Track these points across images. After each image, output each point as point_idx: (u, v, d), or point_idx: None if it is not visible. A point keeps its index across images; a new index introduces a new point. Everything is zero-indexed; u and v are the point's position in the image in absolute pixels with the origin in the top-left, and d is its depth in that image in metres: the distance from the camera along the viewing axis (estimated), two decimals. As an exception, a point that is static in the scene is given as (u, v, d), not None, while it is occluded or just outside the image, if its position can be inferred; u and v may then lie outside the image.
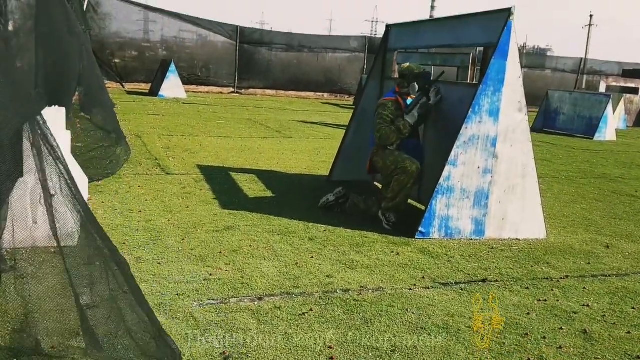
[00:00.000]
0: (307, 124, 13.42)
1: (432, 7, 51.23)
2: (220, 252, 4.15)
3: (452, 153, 4.80)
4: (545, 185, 7.62)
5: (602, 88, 21.48)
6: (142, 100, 15.91)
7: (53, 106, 5.19)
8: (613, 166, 10.28)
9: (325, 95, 24.43)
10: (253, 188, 6.30)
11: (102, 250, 2.16)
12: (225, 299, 3.36)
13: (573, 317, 3.49)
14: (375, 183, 6.81)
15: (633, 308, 3.72)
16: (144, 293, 3.32)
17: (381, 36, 7.22)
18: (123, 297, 2.11)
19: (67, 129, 5.43)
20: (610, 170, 9.78)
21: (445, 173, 4.81)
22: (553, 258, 4.64)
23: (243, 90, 22.73)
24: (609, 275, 4.33)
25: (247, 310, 3.24)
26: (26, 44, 5.77)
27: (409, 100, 5.33)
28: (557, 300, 3.74)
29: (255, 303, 3.35)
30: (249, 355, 2.77)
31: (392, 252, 4.48)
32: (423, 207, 5.23)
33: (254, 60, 23.01)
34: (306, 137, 11.09)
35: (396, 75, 6.71)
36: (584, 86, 27.01)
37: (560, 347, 3.09)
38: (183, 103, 16.18)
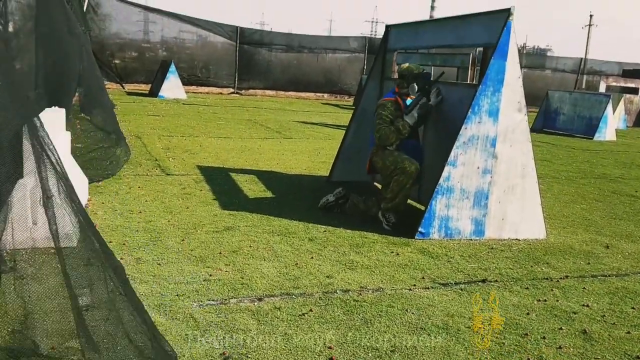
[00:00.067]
0: (307, 125, 13.43)
1: (432, 8, 51.25)
2: (220, 253, 4.15)
3: (452, 153, 4.80)
4: (545, 186, 7.62)
5: (602, 88, 21.48)
6: (142, 101, 15.92)
7: (53, 107, 5.19)
8: (613, 166, 10.29)
9: (325, 95, 24.44)
10: (253, 189, 6.30)
11: (99, 253, 2.16)
12: (225, 300, 3.37)
13: (573, 317, 3.50)
14: (375, 183, 6.82)
15: (633, 308, 3.72)
16: (144, 294, 3.34)
17: (381, 36, 7.23)
18: (120, 300, 2.11)
19: (67, 129, 5.43)
20: (610, 170, 9.79)
21: (444, 173, 4.82)
22: (553, 258, 4.64)
23: (243, 91, 22.73)
24: (609, 275, 4.33)
25: (247, 311, 3.24)
26: (26, 45, 5.77)
27: (409, 101, 5.34)
28: (557, 301, 3.75)
29: (255, 303, 3.35)
30: (249, 355, 2.77)
31: (392, 252, 4.48)
32: (423, 208, 5.23)
33: (253, 61, 23.01)
34: (306, 138, 11.10)
35: (396, 76, 6.71)
36: (583, 86, 27.01)
37: (560, 347, 3.09)
38: (183, 104, 16.18)
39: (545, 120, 16.85)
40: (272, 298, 3.45)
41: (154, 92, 17.71)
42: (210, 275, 3.71)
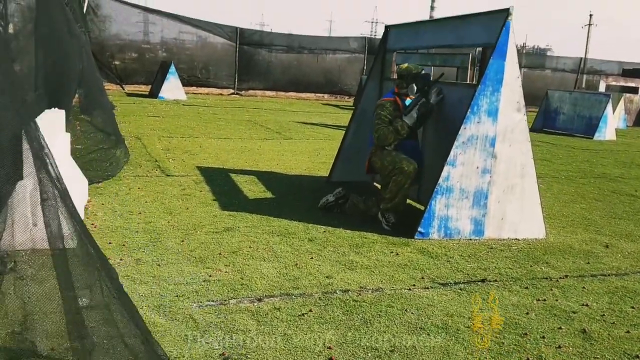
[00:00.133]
0: (307, 125, 13.43)
1: (432, 8, 51.26)
2: (219, 254, 4.15)
3: (451, 153, 4.80)
4: (545, 185, 7.63)
5: (602, 87, 21.49)
6: (142, 102, 15.93)
7: (53, 108, 5.20)
8: (613, 166, 10.29)
9: (325, 96, 24.44)
10: (253, 189, 6.31)
11: (92, 257, 2.17)
12: (225, 300, 3.37)
13: (572, 317, 3.50)
14: (375, 184, 6.82)
15: (632, 307, 3.72)
16: (143, 294, 3.35)
17: (381, 37, 7.23)
18: (113, 304, 2.12)
19: (67, 131, 5.44)
20: (609, 169, 9.79)
21: (444, 173, 4.82)
22: (552, 258, 4.64)
23: (243, 92, 22.74)
24: (609, 275, 4.33)
25: (247, 311, 3.24)
26: (26, 46, 5.78)
27: (408, 101, 5.34)
28: (556, 300, 3.75)
29: (255, 304, 3.36)
30: (249, 356, 2.77)
31: (392, 252, 4.48)
32: (422, 208, 5.24)
33: (253, 62, 23.02)
34: (306, 138, 11.10)
35: (395, 76, 6.72)
36: (583, 86, 27.01)
37: (559, 347, 3.09)
38: (183, 104, 16.19)
39: (545, 120, 16.85)
40: (271, 298, 3.45)
41: (153, 93, 17.72)
42: (210, 276, 3.71)
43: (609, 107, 15.28)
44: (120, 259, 3.89)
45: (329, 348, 2.90)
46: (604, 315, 3.56)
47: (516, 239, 5.04)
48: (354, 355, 2.85)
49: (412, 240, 4.81)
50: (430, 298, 3.64)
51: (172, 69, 17.42)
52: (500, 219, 5.01)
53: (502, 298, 3.72)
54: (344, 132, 7.24)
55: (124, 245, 4.19)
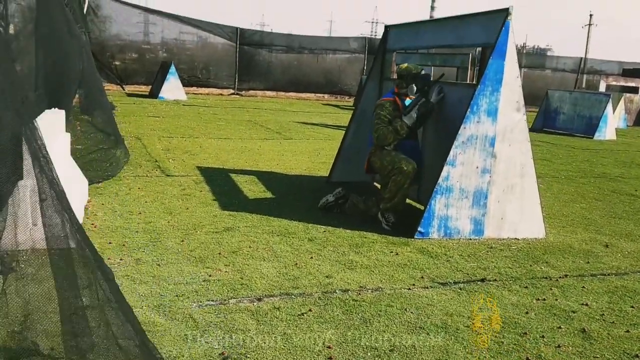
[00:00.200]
0: (307, 125, 13.44)
1: (432, 8, 51.25)
2: (219, 253, 4.16)
3: (451, 153, 4.81)
4: (545, 185, 7.63)
5: (602, 87, 21.49)
6: (142, 102, 15.94)
7: (53, 108, 5.21)
8: (613, 165, 10.29)
9: (326, 96, 24.45)
10: (253, 189, 6.31)
11: (89, 258, 2.17)
12: (225, 300, 3.37)
13: (572, 316, 3.50)
14: (375, 183, 6.82)
15: (632, 307, 3.72)
16: (143, 294, 3.35)
17: (381, 37, 7.23)
18: (109, 305, 2.12)
19: (67, 131, 5.45)
20: (610, 169, 9.79)
21: (443, 173, 4.82)
22: (552, 257, 4.65)
23: (243, 92, 22.75)
24: (608, 274, 4.33)
25: (246, 311, 3.25)
26: (26, 46, 5.79)
27: (408, 101, 5.35)
28: (556, 300, 3.75)
29: (255, 304, 3.36)
30: (248, 355, 2.77)
31: (392, 252, 4.49)
32: (422, 207, 5.24)
33: (254, 62, 23.02)
34: (306, 138, 11.11)
35: (395, 76, 6.72)
36: (584, 85, 27.01)
37: (559, 346, 3.09)
38: (183, 105, 16.20)
39: (545, 119, 16.85)
40: (271, 298, 3.45)
41: (154, 94, 17.72)
42: (210, 276, 3.72)
43: (609, 106, 15.28)
44: (120, 259, 3.90)
45: (329, 347, 2.90)
46: (603, 314, 3.56)
47: (516, 238, 5.04)
48: (354, 355, 2.86)
49: (412, 239, 4.81)
50: (429, 297, 3.64)
51: (173, 69, 17.43)
52: (500, 219, 5.01)
53: (502, 297, 3.72)
54: (344, 132, 7.24)
55: (124, 245, 4.19)
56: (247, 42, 22.85)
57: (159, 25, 21.89)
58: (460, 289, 3.83)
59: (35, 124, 2.24)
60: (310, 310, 3.31)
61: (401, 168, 5.07)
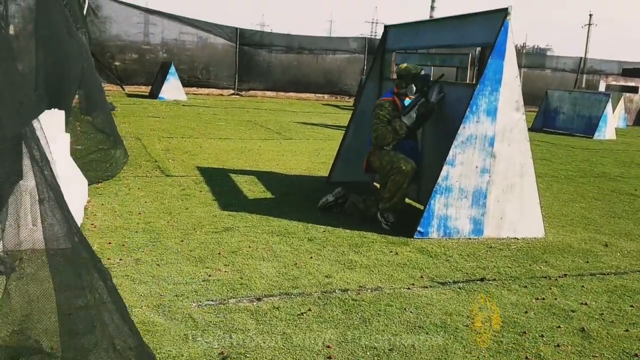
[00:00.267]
0: (307, 125, 13.44)
1: (432, 8, 51.19)
2: (219, 253, 4.16)
3: (450, 153, 4.81)
4: (545, 185, 7.63)
5: (602, 87, 21.49)
6: (142, 103, 15.94)
7: (53, 108, 5.21)
8: (612, 165, 10.29)
9: (326, 96, 24.45)
10: (252, 189, 6.32)
11: (86, 258, 2.18)
12: (224, 300, 3.38)
13: (571, 316, 3.50)
14: (375, 183, 6.83)
15: (631, 306, 3.72)
16: (143, 294, 3.35)
17: (380, 37, 7.24)
18: (105, 307, 2.12)
19: (66, 131, 5.45)
20: (609, 169, 9.79)
21: (443, 173, 4.83)
22: (551, 257, 4.65)
23: (243, 92, 22.75)
24: (608, 274, 4.33)
25: (246, 311, 3.25)
26: (26, 47, 5.80)
27: (407, 101, 5.35)
28: (555, 299, 3.75)
29: (254, 303, 3.36)
30: (248, 355, 2.78)
31: (391, 252, 4.49)
32: (422, 207, 5.24)
33: (254, 62, 23.03)
34: (306, 139, 11.11)
35: (394, 76, 6.72)
36: (583, 85, 27.01)
37: (558, 346, 3.10)
38: (183, 105, 16.21)
39: (545, 119, 16.84)
40: (270, 298, 3.46)
41: (154, 94, 17.73)
42: (210, 276, 3.72)
43: (609, 106, 15.28)
44: (120, 259, 3.90)
45: (328, 347, 2.91)
46: (602, 314, 3.57)
47: (515, 238, 5.04)
48: (353, 354, 2.86)
49: (412, 239, 4.81)
50: (429, 297, 3.64)
51: (172, 69, 17.43)
52: (499, 219, 5.01)
53: (501, 297, 3.73)
54: (343, 132, 7.24)
55: (123, 245, 4.20)
56: (247, 42, 22.85)
57: (159, 26, 21.90)
58: (460, 288, 3.83)
59: (35, 124, 2.24)
60: (309, 310, 3.32)
61: (400, 168, 5.08)
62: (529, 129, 5.26)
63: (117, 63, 20.83)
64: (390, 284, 3.82)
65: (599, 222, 5.91)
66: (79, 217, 4.48)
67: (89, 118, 7.88)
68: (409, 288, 3.77)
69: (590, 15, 48.96)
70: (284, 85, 23.66)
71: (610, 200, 7.11)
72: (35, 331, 2.22)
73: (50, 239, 2.12)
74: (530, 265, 4.41)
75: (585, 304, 3.70)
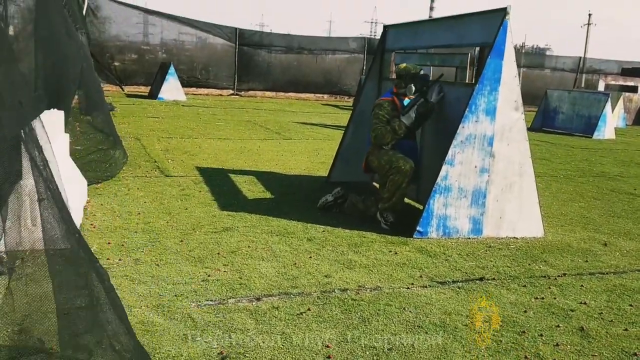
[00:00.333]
0: (306, 125, 13.44)
1: (431, 8, 51.20)
2: (218, 253, 4.16)
3: (449, 152, 4.81)
4: (544, 184, 7.64)
5: (601, 87, 21.50)
6: (141, 103, 15.94)
7: (52, 109, 5.21)
8: (612, 164, 10.30)
9: (325, 96, 24.44)
10: (252, 189, 6.32)
11: (84, 259, 2.18)
12: (224, 300, 3.38)
13: (570, 315, 3.51)
14: (374, 183, 6.83)
15: (630, 305, 3.73)
16: (142, 294, 3.36)
17: (379, 37, 7.24)
18: (103, 308, 2.13)
19: (66, 132, 5.45)
20: (608, 168, 9.80)
21: (442, 172, 4.83)
22: (551, 256, 4.65)
23: (242, 92, 22.75)
24: (607, 273, 4.34)
25: (245, 311, 3.25)
26: (26, 47, 5.80)
27: (406, 101, 5.35)
28: (555, 298, 3.76)
29: (254, 303, 3.37)
30: (247, 355, 2.78)
31: (390, 251, 4.49)
32: (421, 207, 5.24)
33: (253, 62, 23.02)
34: (305, 139, 11.11)
35: (394, 76, 6.72)
36: (583, 85, 27.02)
37: (557, 345, 3.10)
38: (182, 105, 16.20)
39: (544, 119, 16.85)
40: (270, 298, 3.46)
41: (153, 94, 17.73)
42: (209, 276, 3.72)
43: (608, 106, 15.29)
44: (119, 259, 3.91)
45: (328, 347, 2.91)
46: (602, 313, 3.57)
47: (514, 237, 5.05)
48: (352, 354, 2.86)
49: (411, 239, 4.82)
50: (428, 297, 3.65)
51: (172, 69, 17.43)
52: (498, 218, 5.02)
53: (501, 296, 3.73)
54: (343, 132, 7.25)
55: (123, 245, 4.20)
56: (247, 42, 22.84)
57: (158, 26, 21.89)
58: (459, 288, 3.84)
59: (34, 124, 2.25)
60: (309, 309, 3.32)
61: (399, 167, 5.08)
62: (529, 129, 5.27)
63: (116, 63, 20.82)
64: (390, 284, 3.82)
65: (598, 222, 5.92)
66: (78, 217, 4.48)
67: (89, 118, 7.87)
68: (408, 288, 3.77)
69: (590, 15, 49.00)
70: (284, 86, 23.66)
71: (609, 199, 7.11)
72: (35, 331, 2.22)
73: (50, 239, 2.12)
74: (529, 264, 4.41)
75: (585, 303, 3.71)
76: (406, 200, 5.65)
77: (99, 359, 2.06)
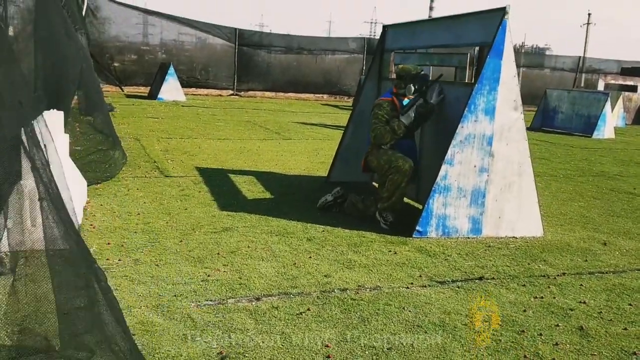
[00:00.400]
0: (306, 125, 13.45)
1: (431, 8, 51.20)
2: (218, 254, 4.17)
3: (449, 152, 4.82)
4: (543, 184, 7.64)
5: (601, 86, 21.49)
6: (141, 104, 15.95)
7: (52, 109, 5.22)
8: (611, 164, 10.30)
9: (325, 96, 24.44)
10: (252, 189, 6.32)
11: (82, 259, 2.19)
12: (223, 300, 3.38)
13: (569, 314, 3.51)
14: (374, 183, 6.83)
15: (630, 305, 3.73)
16: (142, 295, 3.36)
17: (379, 37, 7.25)
18: (100, 309, 2.13)
19: (65, 132, 5.45)
20: (608, 167, 9.80)
21: (442, 172, 4.84)
22: (550, 255, 4.66)
23: (242, 93, 22.75)
24: (606, 272, 4.34)
25: (245, 311, 3.26)
26: (25, 48, 5.80)
27: (406, 101, 5.36)
28: (554, 298, 3.76)
29: (253, 303, 3.37)
30: (246, 354, 2.78)
31: (390, 251, 4.50)
32: (420, 207, 5.25)
33: (253, 62, 23.03)
34: (305, 139, 11.12)
35: (393, 76, 6.73)
36: (582, 84, 27.02)
37: (557, 344, 3.10)
38: (182, 106, 16.21)
39: (543, 118, 16.85)
40: (269, 298, 3.46)
41: (153, 95, 17.72)
42: (208, 276, 3.73)
43: (608, 105, 15.29)
44: (119, 259, 3.91)
45: (327, 346, 2.91)
46: (601, 312, 3.57)
47: (514, 237, 5.05)
48: (352, 354, 2.87)
49: (410, 238, 4.82)
50: (427, 296, 3.65)
51: (171, 70, 17.42)
52: (497, 218, 5.02)
53: (500, 296, 3.73)
54: (342, 132, 7.25)
55: (122, 245, 4.20)
56: (246, 42, 22.84)
57: (157, 27, 21.89)
58: (458, 287, 3.84)
59: (34, 125, 2.25)
60: (308, 309, 3.32)
61: (398, 167, 5.08)
62: (528, 128, 5.27)
63: (116, 64, 20.83)
64: (389, 283, 3.82)
65: (598, 221, 5.92)
66: (78, 217, 4.49)
67: (90, 119, 7.88)
68: (407, 287, 3.78)
69: (589, 14, 49.03)
70: (283, 86, 23.66)
71: (609, 199, 7.11)
72: (35, 331, 2.22)
73: (49, 240, 2.13)
74: (528, 264, 4.42)
75: (584, 302, 3.71)
76: (405, 199, 5.66)
77: (98, 359, 2.07)
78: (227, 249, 4.29)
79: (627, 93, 20.74)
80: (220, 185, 6.43)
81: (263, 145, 9.82)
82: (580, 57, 29.11)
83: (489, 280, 4.00)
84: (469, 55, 10.77)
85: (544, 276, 4.17)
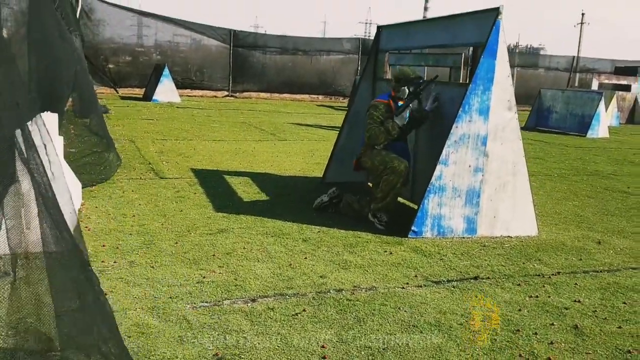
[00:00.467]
0: (301, 126, 13.45)
1: (425, 8, 51.29)
2: (213, 255, 4.16)
3: (443, 152, 4.83)
4: (538, 183, 7.67)
5: (595, 86, 21.58)
6: (136, 105, 15.91)
7: (46, 111, 5.20)
8: (605, 163, 10.34)
9: (320, 97, 24.46)
10: (247, 190, 6.32)
11: (75, 262, 2.18)
12: (219, 301, 3.38)
13: (564, 313, 3.52)
14: (369, 184, 6.84)
15: (624, 303, 3.75)
16: (137, 297, 3.35)
17: (373, 37, 7.26)
18: (92, 311, 2.13)
19: (60, 134, 5.44)
20: (602, 167, 9.84)
21: (436, 172, 4.85)
22: (545, 255, 4.67)
23: (237, 94, 22.73)
24: (601, 271, 4.36)
25: (240, 312, 3.25)
26: (19, 50, 5.78)
27: (401, 104, 5.36)
28: (549, 297, 3.78)
29: (249, 304, 3.37)
30: (242, 356, 2.78)
31: (385, 251, 4.50)
32: (415, 207, 5.26)
33: (248, 64, 23.01)
34: (300, 139, 11.12)
35: (388, 76, 6.74)
36: (576, 84, 27.13)
37: (552, 343, 3.12)
38: (177, 107, 16.18)
39: (538, 118, 16.91)
40: (265, 299, 3.46)
41: (147, 96, 17.68)
42: (204, 277, 3.72)
43: (602, 105, 15.36)
44: (114, 262, 3.90)
45: (323, 347, 2.92)
46: (595, 311, 3.59)
47: (509, 236, 5.07)
48: (348, 354, 2.87)
49: (406, 239, 4.83)
50: (423, 296, 3.66)
51: (166, 71, 17.39)
52: (492, 217, 5.04)
53: (495, 295, 3.75)
54: (337, 133, 7.25)
55: (117, 247, 4.19)
56: (241, 44, 22.83)
57: (152, 28, 21.84)
58: (454, 287, 3.85)
59: (28, 127, 2.24)
60: (304, 310, 3.33)
61: (394, 167, 5.09)
62: (523, 128, 5.30)
63: (110, 65, 20.77)
64: (385, 284, 3.83)
65: (592, 220, 5.95)
66: (72, 220, 4.47)
67: (86, 121, 7.85)
68: (403, 287, 3.79)
69: (583, 14, 49.24)
70: (278, 87, 23.66)
71: (603, 198, 7.15)
72: (30, 333, 2.22)
73: (44, 242, 2.12)
74: (523, 263, 4.43)
75: (579, 301, 3.73)
76: (401, 200, 5.66)
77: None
78: (222, 250, 4.29)
79: (620, 92, 20.84)
80: (215, 186, 6.42)
81: (258, 146, 9.82)
82: (574, 56, 29.23)
83: (484, 280, 4.02)
84: (463, 55, 10.79)
85: (538, 275, 4.18)
